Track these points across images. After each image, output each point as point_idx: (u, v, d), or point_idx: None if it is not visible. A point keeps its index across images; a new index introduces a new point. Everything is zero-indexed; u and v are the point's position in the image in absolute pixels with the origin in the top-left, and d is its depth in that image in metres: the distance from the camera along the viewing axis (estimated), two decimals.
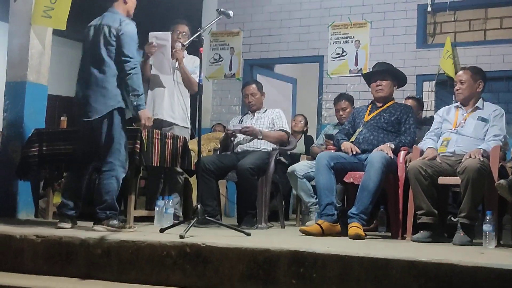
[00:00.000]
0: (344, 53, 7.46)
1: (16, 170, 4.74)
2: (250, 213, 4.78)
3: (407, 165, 4.27)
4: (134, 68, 4.00)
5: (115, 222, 3.91)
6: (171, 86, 5.03)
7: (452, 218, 4.80)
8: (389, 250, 3.12)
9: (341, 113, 5.66)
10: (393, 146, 4.37)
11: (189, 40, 4.58)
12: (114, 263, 3.22)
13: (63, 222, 3.99)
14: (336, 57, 7.51)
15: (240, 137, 5.13)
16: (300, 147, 6.34)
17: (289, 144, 5.27)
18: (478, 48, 6.85)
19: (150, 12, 7.30)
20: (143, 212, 4.86)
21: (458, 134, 4.27)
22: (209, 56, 8.13)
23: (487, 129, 4.22)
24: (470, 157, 3.94)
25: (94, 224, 3.91)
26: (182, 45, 4.90)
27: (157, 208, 4.49)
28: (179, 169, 4.90)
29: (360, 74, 6.73)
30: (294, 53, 7.78)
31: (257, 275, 2.95)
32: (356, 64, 7.38)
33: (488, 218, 3.68)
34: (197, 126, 4.13)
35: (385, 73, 4.68)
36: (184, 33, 5.07)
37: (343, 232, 4.14)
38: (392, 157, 4.30)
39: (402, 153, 4.38)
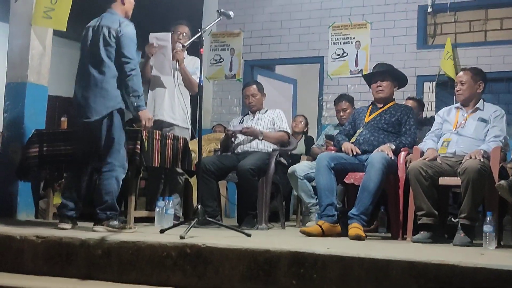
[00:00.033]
0: (345, 54, 7.46)
1: (16, 170, 4.74)
2: (250, 214, 4.78)
3: (407, 165, 4.27)
4: (134, 69, 4.00)
5: (115, 222, 3.91)
6: (172, 87, 5.03)
7: (452, 219, 4.80)
8: (389, 251, 3.12)
9: (341, 113, 5.66)
10: (393, 146, 4.37)
11: (190, 41, 4.59)
12: (115, 263, 3.22)
13: (63, 222, 3.99)
14: (337, 58, 7.51)
15: (241, 137, 5.13)
16: (300, 147, 6.35)
17: (290, 144, 5.27)
18: (478, 49, 6.85)
19: (150, 13, 7.32)
20: (143, 213, 4.86)
21: (459, 135, 4.27)
22: (210, 57, 8.13)
23: (488, 130, 4.22)
24: (470, 158, 3.94)
25: (94, 224, 3.91)
26: (183, 46, 4.90)
27: (157, 209, 4.49)
28: (179, 170, 4.90)
29: (360, 75, 6.74)
30: (294, 54, 7.78)
31: (257, 275, 2.94)
32: (356, 65, 7.39)
33: (488, 219, 3.67)
34: (197, 127, 4.13)
35: (385, 74, 4.68)
36: (184, 34, 5.07)
37: (344, 233, 4.14)
38: (393, 157, 4.30)
39: (402, 154, 4.38)
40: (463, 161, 3.97)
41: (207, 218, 3.93)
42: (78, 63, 4.18)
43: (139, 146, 4.21)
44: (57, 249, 3.35)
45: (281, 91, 8.25)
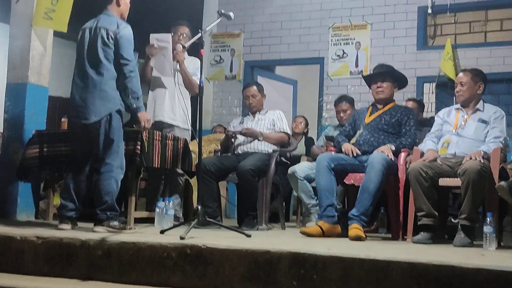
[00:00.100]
0: (345, 55, 7.47)
1: (17, 171, 4.74)
2: (250, 215, 4.79)
3: (407, 166, 4.27)
4: (132, 71, 4.01)
5: (115, 223, 3.91)
6: (172, 88, 5.04)
7: (452, 220, 4.81)
8: (389, 252, 3.12)
9: (341, 114, 5.67)
10: (393, 147, 4.38)
11: (190, 42, 4.59)
12: (115, 264, 3.22)
13: (63, 223, 3.99)
14: (337, 59, 7.51)
15: (241, 138, 5.13)
16: (300, 148, 6.35)
17: (290, 145, 5.27)
18: (478, 50, 6.86)
19: (150, 14, 7.33)
20: (143, 214, 4.86)
21: (459, 136, 4.27)
22: (210, 57, 8.13)
23: (488, 131, 4.22)
24: (470, 158, 3.95)
25: (94, 225, 3.92)
26: (183, 46, 4.90)
27: (157, 210, 4.49)
28: (179, 171, 4.90)
29: (360, 76, 6.75)
30: (294, 54, 7.79)
31: (257, 276, 2.95)
32: (356, 65, 7.39)
33: (488, 219, 3.67)
34: (197, 128, 4.14)
35: (385, 75, 4.68)
36: (185, 35, 5.08)
37: (344, 234, 4.14)
38: (393, 158, 4.30)
39: (402, 155, 4.38)
40: (463, 162, 3.97)
41: (207, 219, 3.93)
42: (75, 64, 4.17)
43: (139, 147, 4.22)
44: (58, 250, 3.35)
45: (281, 92, 8.25)
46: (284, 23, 7.85)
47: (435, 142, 4.38)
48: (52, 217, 4.81)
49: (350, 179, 4.44)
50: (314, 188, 5.03)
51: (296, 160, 5.77)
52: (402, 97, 6.20)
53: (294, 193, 5.73)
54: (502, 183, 3.69)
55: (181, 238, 3.26)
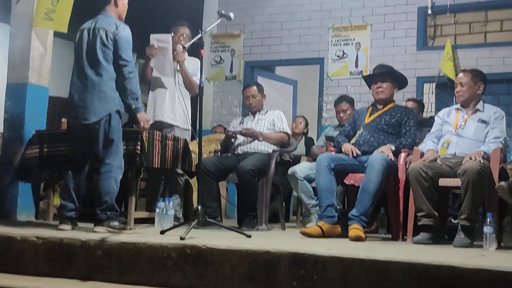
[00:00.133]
0: (345, 55, 7.47)
1: (17, 171, 4.74)
2: (250, 215, 4.79)
3: (407, 167, 4.27)
4: (132, 72, 4.02)
5: (115, 223, 3.91)
6: (172, 88, 5.04)
7: (452, 220, 4.81)
8: (389, 252, 3.12)
9: (341, 115, 5.67)
10: (393, 148, 4.38)
11: (190, 42, 4.60)
12: (115, 264, 3.22)
13: (63, 223, 3.99)
14: (337, 59, 7.51)
15: (241, 138, 5.13)
16: (300, 149, 6.35)
17: (290, 145, 5.27)
18: (478, 51, 6.86)
19: (150, 14, 7.33)
20: (143, 214, 4.86)
21: (459, 136, 4.27)
22: (210, 58, 8.13)
23: (488, 131, 4.22)
24: (470, 159, 3.95)
25: (94, 225, 3.92)
26: (183, 47, 4.90)
27: (157, 210, 4.49)
28: (179, 171, 4.90)
29: (360, 76, 6.75)
30: (294, 55, 7.79)
31: (257, 277, 2.95)
32: (356, 66, 7.39)
33: (488, 220, 3.67)
34: (197, 128, 4.14)
35: (385, 75, 4.68)
36: (185, 35, 5.08)
37: (344, 234, 4.14)
38: (393, 159, 4.30)
39: (402, 155, 4.38)
40: (463, 162, 3.97)
41: (207, 219, 3.93)
42: (73, 65, 4.18)
43: (139, 147, 4.22)
44: (58, 250, 3.35)
45: (281, 92, 8.25)
46: (284, 24, 7.85)
47: (435, 142, 4.38)
48: (52, 217, 4.81)
49: (350, 180, 4.44)
50: (314, 188, 5.03)
51: (296, 160, 5.77)
52: (402, 97, 6.20)
53: (294, 193, 5.73)
54: (502, 183, 3.69)
55: (181, 238, 3.26)
